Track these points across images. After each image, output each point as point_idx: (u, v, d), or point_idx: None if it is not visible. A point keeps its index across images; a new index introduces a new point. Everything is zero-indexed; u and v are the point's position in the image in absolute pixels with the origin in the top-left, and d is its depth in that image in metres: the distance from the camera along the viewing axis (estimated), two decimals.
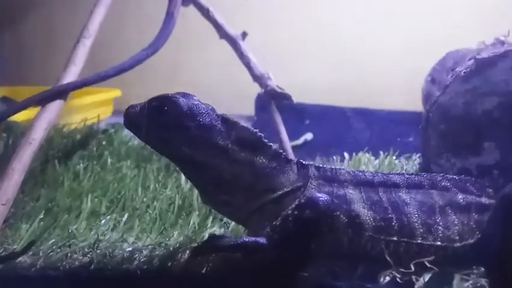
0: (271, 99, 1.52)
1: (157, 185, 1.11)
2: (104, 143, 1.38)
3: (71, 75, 1.19)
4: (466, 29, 2.21)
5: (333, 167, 0.78)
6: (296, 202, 0.68)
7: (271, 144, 0.75)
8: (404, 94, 1.86)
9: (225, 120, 0.73)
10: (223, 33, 1.60)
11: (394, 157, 1.39)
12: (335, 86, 2.38)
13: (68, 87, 1.15)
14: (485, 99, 0.87)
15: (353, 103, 2.33)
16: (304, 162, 0.77)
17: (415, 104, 1.60)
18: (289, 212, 0.68)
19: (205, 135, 0.71)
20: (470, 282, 0.67)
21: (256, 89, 2.46)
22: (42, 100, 1.10)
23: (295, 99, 2.48)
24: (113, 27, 2.31)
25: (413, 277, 0.66)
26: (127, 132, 1.85)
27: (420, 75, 1.71)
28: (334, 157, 1.42)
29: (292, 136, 1.99)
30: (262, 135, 0.74)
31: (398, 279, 0.66)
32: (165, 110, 0.70)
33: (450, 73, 1.44)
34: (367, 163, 1.35)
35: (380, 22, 2.38)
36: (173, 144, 0.71)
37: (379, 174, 0.78)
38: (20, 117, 1.72)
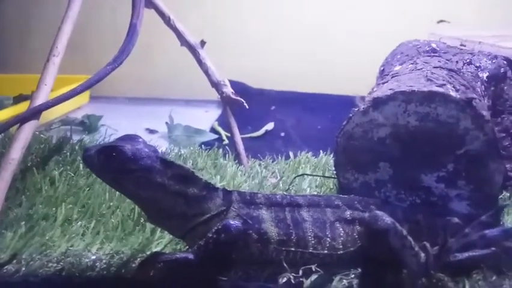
0: (226, 105, 1.70)
1: None
2: (77, 147, 1.56)
3: (43, 95, 1.36)
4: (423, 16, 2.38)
5: (252, 191, 1.00)
6: (215, 227, 0.90)
7: (202, 177, 0.96)
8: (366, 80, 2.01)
9: (163, 160, 0.93)
10: (183, 41, 1.75)
11: (331, 156, 1.60)
12: (300, 73, 2.55)
13: (41, 108, 1.33)
14: (380, 129, 1.08)
15: (318, 89, 2.51)
16: (228, 189, 0.98)
17: None
18: (210, 235, 0.90)
19: (145, 175, 0.91)
20: (347, 281, 0.91)
21: (227, 74, 2.63)
22: (20, 121, 1.28)
23: (262, 86, 2.66)
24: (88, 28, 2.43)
25: (302, 279, 0.90)
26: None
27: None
28: (280, 157, 1.63)
29: (258, 122, 2.19)
30: (194, 171, 0.95)
31: (292, 281, 0.89)
32: (113, 156, 0.89)
33: (395, 64, 1.64)
34: (306, 163, 1.57)
35: (345, 9, 2.52)
36: (120, 183, 0.91)
37: (287, 196, 1.00)
38: None
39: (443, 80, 1.12)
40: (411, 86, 1.06)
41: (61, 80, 1.73)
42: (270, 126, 2.17)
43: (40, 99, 1.33)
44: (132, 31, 1.59)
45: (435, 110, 1.04)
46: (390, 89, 1.08)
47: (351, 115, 1.10)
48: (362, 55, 2.41)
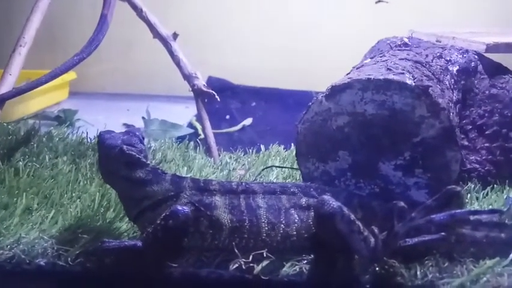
0: (198, 97, 1.69)
1: (85, 182, 1.31)
2: (44, 139, 1.55)
3: (7, 84, 1.36)
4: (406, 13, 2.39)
5: (207, 179, 1.00)
6: (164, 214, 0.90)
7: (148, 162, 0.98)
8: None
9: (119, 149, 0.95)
10: (155, 33, 1.75)
11: None
12: (282, 70, 2.56)
13: (4, 98, 1.32)
14: (338, 117, 1.08)
15: (299, 87, 2.52)
16: (180, 175, 0.98)
17: None
18: (158, 221, 0.89)
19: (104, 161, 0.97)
20: (298, 266, 0.91)
21: (209, 71, 2.62)
22: None
23: (243, 82, 2.66)
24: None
25: (253, 264, 0.89)
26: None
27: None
28: (250, 150, 1.63)
29: (238, 118, 2.21)
30: (141, 156, 0.96)
31: (242, 267, 0.89)
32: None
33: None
34: (276, 155, 1.57)
35: (328, 6, 2.53)
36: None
37: (243, 183, 1.00)
38: None
39: (403, 70, 1.12)
40: (369, 75, 1.06)
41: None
42: (248, 121, 2.18)
43: (4, 89, 1.33)
44: (102, 22, 1.58)
45: (391, 98, 1.04)
46: (348, 78, 1.08)
47: (310, 104, 1.10)
48: (344, 52, 2.41)
